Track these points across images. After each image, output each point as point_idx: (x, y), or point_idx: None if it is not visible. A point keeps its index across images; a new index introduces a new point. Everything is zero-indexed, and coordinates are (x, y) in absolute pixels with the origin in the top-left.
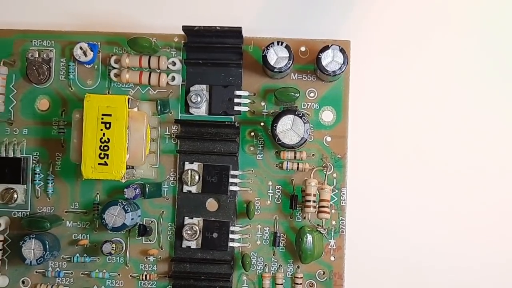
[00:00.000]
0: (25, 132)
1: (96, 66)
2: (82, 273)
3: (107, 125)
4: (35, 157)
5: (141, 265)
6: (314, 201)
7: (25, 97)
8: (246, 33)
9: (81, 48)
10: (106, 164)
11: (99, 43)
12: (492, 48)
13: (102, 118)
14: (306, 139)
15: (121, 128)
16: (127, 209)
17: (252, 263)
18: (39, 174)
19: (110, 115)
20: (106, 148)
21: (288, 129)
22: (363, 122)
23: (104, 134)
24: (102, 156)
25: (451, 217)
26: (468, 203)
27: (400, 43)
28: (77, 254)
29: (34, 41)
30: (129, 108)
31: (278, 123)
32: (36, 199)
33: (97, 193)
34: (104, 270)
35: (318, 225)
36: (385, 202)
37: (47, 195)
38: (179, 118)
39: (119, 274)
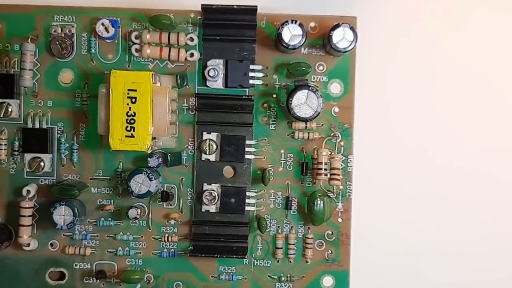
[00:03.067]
0: (49, 104)
1: (116, 41)
2: (107, 236)
3: (133, 100)
4: (59, 128)
5: (163, 228)
6: (325, 169)
7: (49, 70)
8: (259, 10)
9: (103, 24)
10: (132, 136)
11: (119, 19)
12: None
13: (128, 93)
14: (319, 113)
15: (146, 103)
16: (152, 177)
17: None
18: (64, 143)
19: (135, 90)
20: (132, 121)
21: (303, 103)
22: (368, 94)
23: (130, 108)
24: (128, 128)
25: (451, 177)
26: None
27: (405, 19)
28: (102, 218)
29: (56, 17)
30: (152, 83)
31: (293, 97)
32: (62, 167)
33: (120, 161)
34: (128, 233)
35: (328, 190)
36: (388, 167)
37: (72, 163)
38: (196, 91)
39: (142, 236)
